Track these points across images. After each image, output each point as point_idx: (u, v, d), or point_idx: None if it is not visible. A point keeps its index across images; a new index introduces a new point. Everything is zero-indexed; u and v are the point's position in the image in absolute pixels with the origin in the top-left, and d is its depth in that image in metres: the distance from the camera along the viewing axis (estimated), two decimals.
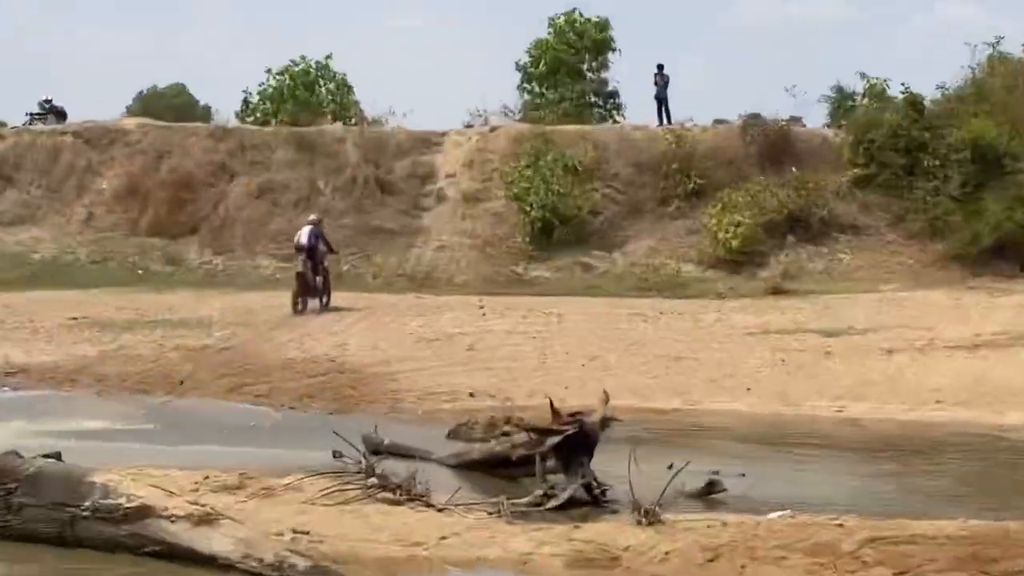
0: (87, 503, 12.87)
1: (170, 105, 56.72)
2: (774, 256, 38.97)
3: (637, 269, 38.56)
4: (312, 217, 36.29)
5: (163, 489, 13.55)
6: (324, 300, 33.44)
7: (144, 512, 12.65)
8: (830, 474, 18.31)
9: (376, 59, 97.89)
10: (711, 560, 13.32)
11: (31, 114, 48.17)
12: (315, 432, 19.87)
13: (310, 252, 33.74)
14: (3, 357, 28.39)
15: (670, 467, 15.40)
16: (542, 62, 49.13)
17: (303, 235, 34.37)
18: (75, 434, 20.38)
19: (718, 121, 45.16)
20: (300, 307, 32.81)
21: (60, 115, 47.99)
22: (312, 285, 33.40)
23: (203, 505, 13.19)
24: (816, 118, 46.41)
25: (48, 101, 48.44)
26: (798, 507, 14.68)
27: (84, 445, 18.51)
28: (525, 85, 49.44)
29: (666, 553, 13.51)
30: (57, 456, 14.36)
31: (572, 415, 16.80)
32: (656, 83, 45.46)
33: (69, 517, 12.80)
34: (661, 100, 45.16)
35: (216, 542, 12.32)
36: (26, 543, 12.68)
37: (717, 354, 27.78)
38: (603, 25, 48.74)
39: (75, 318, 32.69)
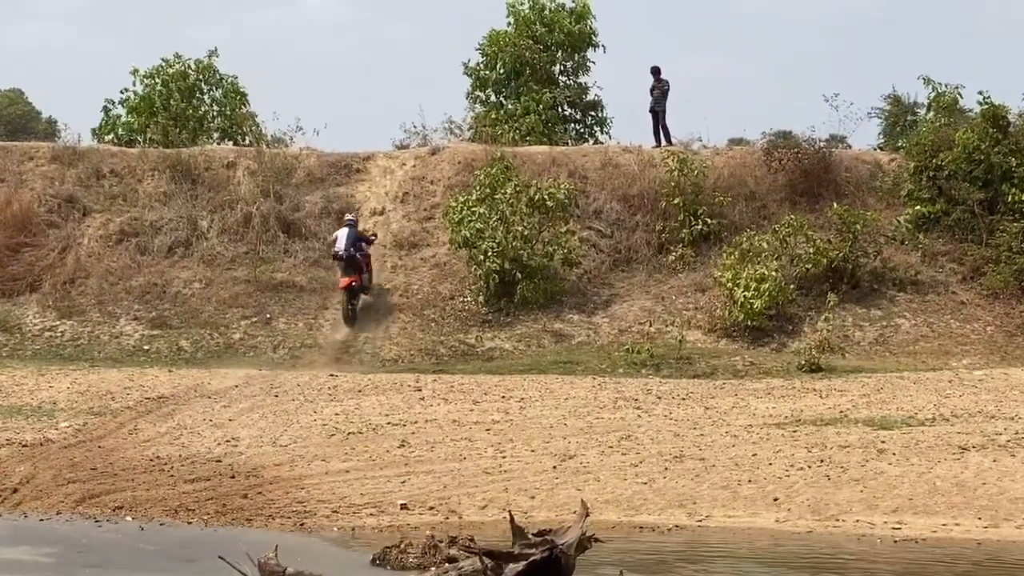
0: None
1: (3, 118, 55.51)
2: (810, 321, 38.90)
3: (627, 338, 38.47)
4: (348, 217, 39.04)
5: None
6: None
7: None
8: None
9: (277, 57, 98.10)
10: None
11: None
12: (194, 555, 19.43)
13: (350, 261, 37.77)
14: None
15: None
16: (499, 63, 48.64)
17: (341, 241, 37.82)
18: None
19: (734, 141, 46.20)
20: (352, 318, 38.01)
21: None
22: (360, 287, 38.21)
23: None
24: (865, 137, 46.40)
25: None
26: None
27: None
28: (477, 93, 49.19)
29: None
30: None
31: (540, 534, 17.99)
32: (652, 92, 45.11)
33: None
34: (657, 113, 44.99)
35: None
36: None
37: (733, 452, 27.26)
38: (581, 14, 48.30)
39: None
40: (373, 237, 40.95)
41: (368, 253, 40.30)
